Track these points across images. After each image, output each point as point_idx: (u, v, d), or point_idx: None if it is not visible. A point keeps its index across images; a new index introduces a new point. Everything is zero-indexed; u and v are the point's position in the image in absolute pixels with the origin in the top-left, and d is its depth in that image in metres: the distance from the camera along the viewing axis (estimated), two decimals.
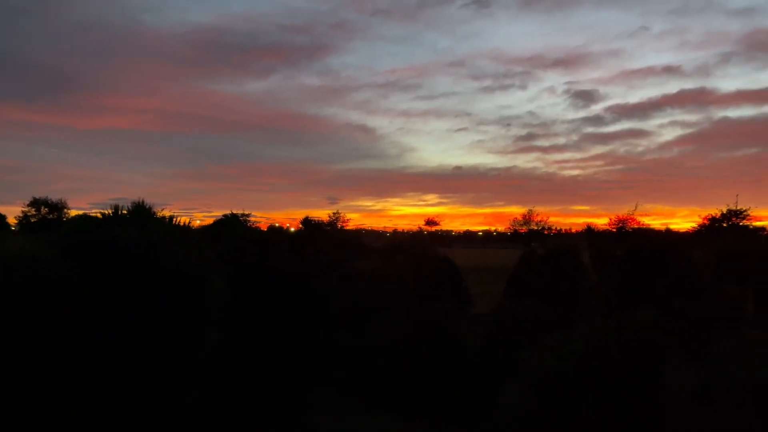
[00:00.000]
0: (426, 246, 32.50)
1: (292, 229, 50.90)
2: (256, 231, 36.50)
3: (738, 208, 75.07)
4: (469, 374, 18.25)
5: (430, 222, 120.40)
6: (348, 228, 55.30)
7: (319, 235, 37.24)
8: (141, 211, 15.53)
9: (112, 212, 15.18)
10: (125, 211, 15.38)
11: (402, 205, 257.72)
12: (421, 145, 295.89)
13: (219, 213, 38.90)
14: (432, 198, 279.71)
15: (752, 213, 74.59)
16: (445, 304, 19.91)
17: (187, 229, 16.76)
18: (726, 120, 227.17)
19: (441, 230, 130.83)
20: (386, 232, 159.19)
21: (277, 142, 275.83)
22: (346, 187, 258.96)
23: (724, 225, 71.67)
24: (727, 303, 21.82)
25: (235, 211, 35.58)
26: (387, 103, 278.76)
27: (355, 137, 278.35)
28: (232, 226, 32.63)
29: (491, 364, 17.74)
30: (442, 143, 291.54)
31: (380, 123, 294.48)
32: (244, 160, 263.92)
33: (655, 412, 13.44)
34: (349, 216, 57.50)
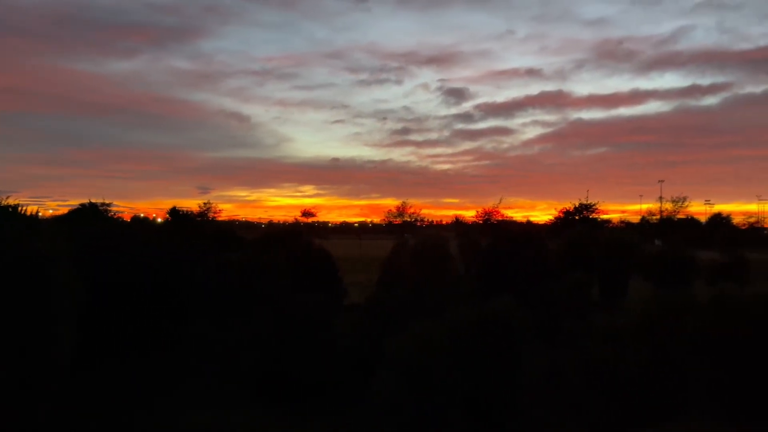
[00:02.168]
0: (301, 237, 32.30)
1: (159, 220, 48.23)
2: (118, 221, 34.22)
3: (588, 202, 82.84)
4: (341, 364, 18.44)
5: (306, 213, 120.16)
6: (220, 219, 53.49)
7: (188, 226, 35.62)
8: None
9: None
10: None
11: (278, 196, 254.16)
12: (298, 135, 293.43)
13: (75, 202, 35.97)
14: (309, 189, 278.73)
15: (600, 206, 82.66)
16: (319, 295, 19.92)
17: (35, 219, 15.23)
18: (579, 121, 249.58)
19: (318, 221, 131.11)
20: (261, 224, 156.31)
21: (143, 127, 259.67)
22: (218, 176, 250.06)
23: (576, 217, 78.88)
24: (576, 288, 23.99)
25: (93, 200, 33.11)
26: (263, 91, 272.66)
27: (228, 125, 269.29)
28: (91, 216, 30.29)
29: (363, 353, 18.04)
30: (320, 134, 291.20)
31: (256, 111, 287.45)
32: (105, 144, 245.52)
33: (513, 392, 14.44)
34: (221, 206, 55.69)
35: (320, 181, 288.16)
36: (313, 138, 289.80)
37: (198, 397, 18.13)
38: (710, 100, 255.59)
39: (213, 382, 19.43)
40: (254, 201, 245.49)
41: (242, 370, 19.05)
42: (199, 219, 46.56)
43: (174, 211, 41.44)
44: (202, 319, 21.42)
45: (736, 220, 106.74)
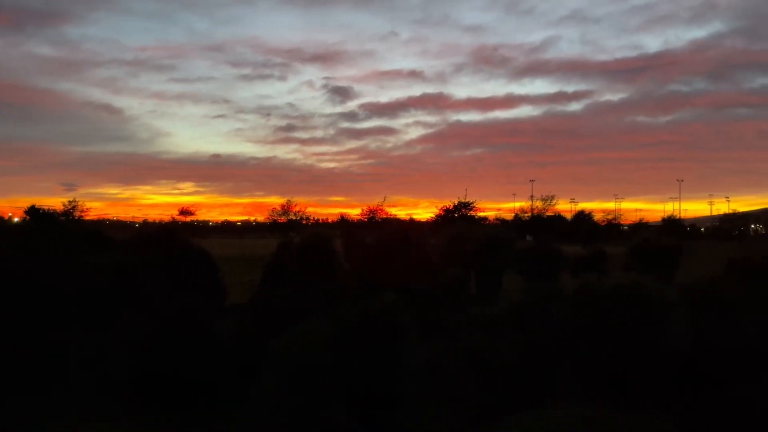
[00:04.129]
0: (179, 236, 30.77)
1: (16, 219, 43.87)
2: None
3: (467, 200, 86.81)
4: (222, 366, 17.85)
5: (184, 212, 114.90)
6: (88, 218, 49.71)
7: (50, 226, 32.69)
8: None
9: None
10: None
11: (154, 194, 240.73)
12: (176, 130, 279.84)
13: None
14: (188, 186, 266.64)
15: (477, 204, 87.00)
16: (198, 296, 19.11)
17: None
18: (459, 123, 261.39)
19: (197, 220, 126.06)
20: (135, 223, 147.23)
21: None
22: (86, 173, 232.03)
23: (456, 215, 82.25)
24: (455, 283, 25.02)
25: None
26: (137, 83, 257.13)
27: (97, 117, 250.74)
28: None
29: (246, 355, 17.60)
30: (199, 129, 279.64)
31: (128, 103, 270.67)
32: None
33: (396, 386, 14.76)
34: (89, 205, 51.82)
35: (200, 178, 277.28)
36: (193, 133, 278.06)
37: (62, 408, 16.79)
38: (575, 106, 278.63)
39: (83, 391, 18.08)
40: (127, 199, 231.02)
41: (115, 376, 17.87)
42: (63, 218, 42.96)
43: (33, 210, 38.00)
44: (68, 324, 19.84)
45: (597, 217, 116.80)
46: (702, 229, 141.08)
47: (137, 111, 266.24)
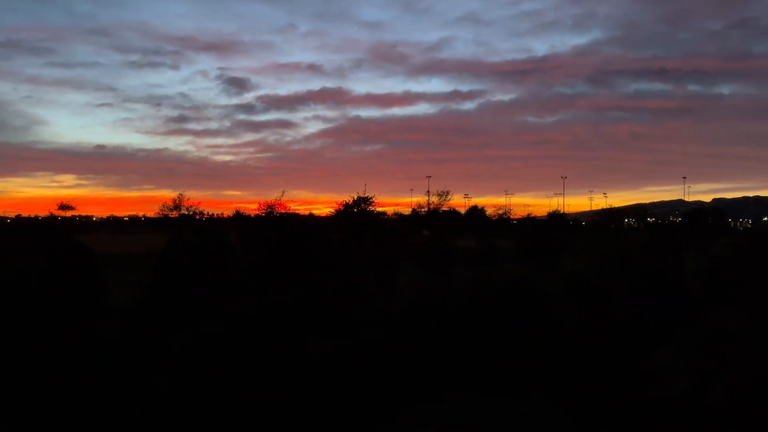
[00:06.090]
0: (57, 232, 28.41)
1: None
2: None
3: (366, 195, 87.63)
4: (105, 370, 16.70)
5: (64, 206, 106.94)
6: None
7: None
8: None
9: None
10: None
11: (29, 186, 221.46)
12: (55, 118, 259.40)
13: None
14: (68, 179, 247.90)
15: (376, 199, 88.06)
16: (78, 297, 17.74)
17: None
18: (358, 118, 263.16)
19: (79, 215, 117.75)
20: (7, 218, 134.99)
21: None
22: None
23: (355, 210, 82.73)
24: (355, 276, 25.09)
25: None
26: (9, 66, 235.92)
27: None
28: None
29: (132, 357, 16.58)
30: (82, 118, 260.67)
31: (0, 88, 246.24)
32: None
33: (300, 380, 14.51)
34: None
35: (83, 170, 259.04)
36: (74, 122, 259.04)
37: None
38: (468, 105, 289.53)
39: None
40: None
41: None
42: None
43: None
44: None
45: (489, 211, 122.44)
46: (583, 223, 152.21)
47: (10, 96, 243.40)
